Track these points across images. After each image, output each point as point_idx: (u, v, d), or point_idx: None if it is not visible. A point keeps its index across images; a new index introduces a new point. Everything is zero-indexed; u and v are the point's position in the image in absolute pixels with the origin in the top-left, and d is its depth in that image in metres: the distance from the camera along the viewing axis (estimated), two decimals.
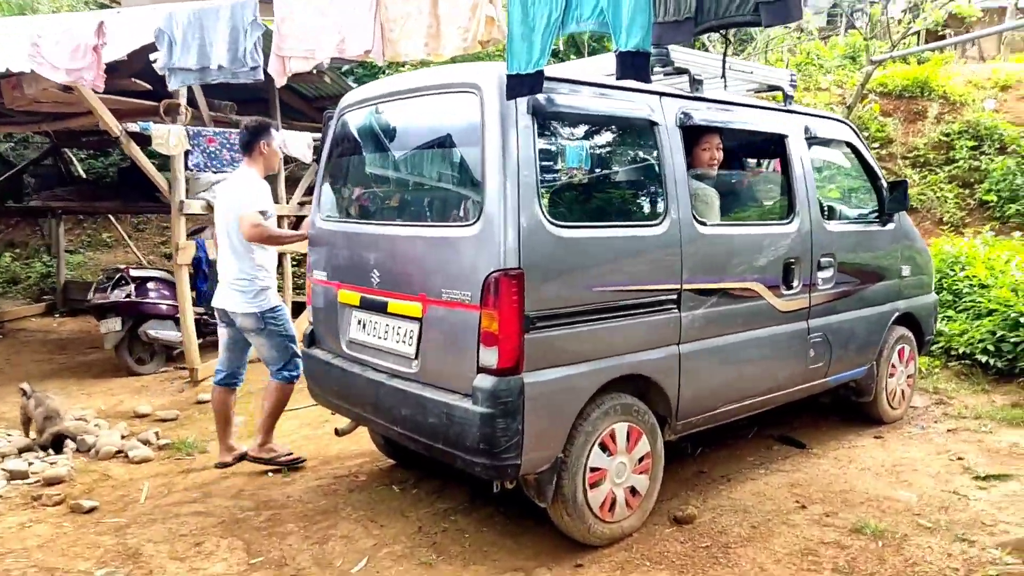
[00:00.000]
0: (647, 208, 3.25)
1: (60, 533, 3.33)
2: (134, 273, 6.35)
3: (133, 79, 5.63)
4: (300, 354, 3.92)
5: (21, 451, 4.30)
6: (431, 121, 3.30)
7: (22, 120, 6.77)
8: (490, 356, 2.68)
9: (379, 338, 3.20)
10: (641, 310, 3.04)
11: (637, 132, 3.23)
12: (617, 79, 2.67)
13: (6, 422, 4.98)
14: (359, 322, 3.35)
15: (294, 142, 6.32)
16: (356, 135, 3.67)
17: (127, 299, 6.13)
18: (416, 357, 2.99)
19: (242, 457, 4.11)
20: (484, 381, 2.68)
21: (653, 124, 3.15)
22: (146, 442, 4.48)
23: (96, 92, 4.84)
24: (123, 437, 4.58)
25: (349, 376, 3.32)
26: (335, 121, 3.66)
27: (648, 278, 3.07)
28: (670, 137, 3.19)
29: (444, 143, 3.25)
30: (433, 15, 3.30)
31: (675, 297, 3.16)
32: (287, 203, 6.92)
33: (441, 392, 2.86)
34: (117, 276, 6.33)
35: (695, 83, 3.43)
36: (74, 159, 10.29)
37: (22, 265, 10.95)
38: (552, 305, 2.77)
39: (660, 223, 3.11)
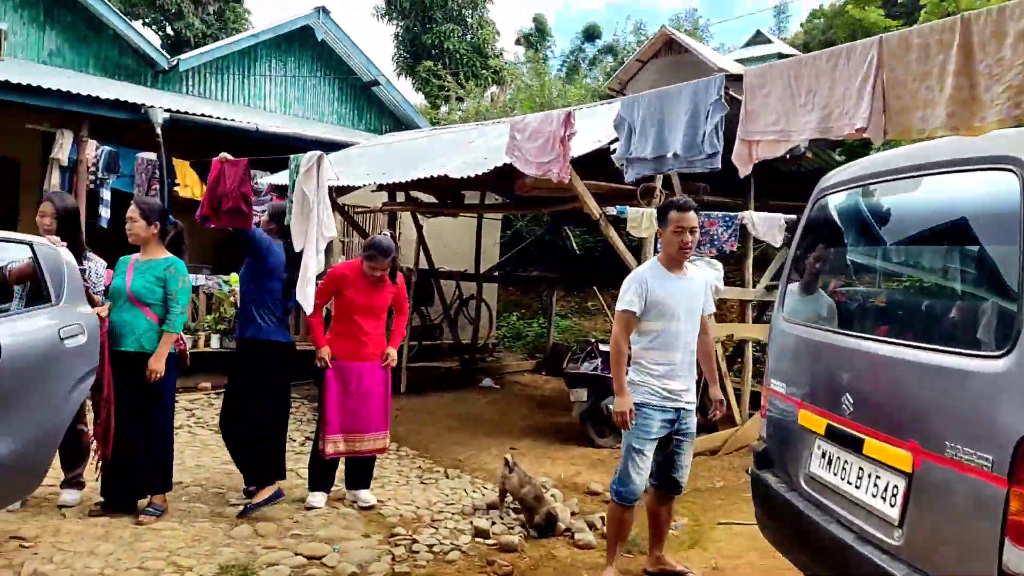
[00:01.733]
0: None
1: None
2: (603, 348, 6.66)
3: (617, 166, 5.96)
4: (631, 474, 3.48)
5: (489, 507, 4.72)
6: (940, 207, 2.54)
7: (527, 204, 7.82)
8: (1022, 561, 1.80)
9: (849, 483, 2.51)
10: None
11: None
12: None
13: (484, 473, 5.59)
14: (823, 455, 2.71)
15: (762, 223, 5.91)
16: (837, 222, 3.08)
17: (594, 372, 6.43)
18: (901, 525, 2.22)
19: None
20: None
21: None
22: (591, 526, 4.48)
23: (579, 179, 5.20)
24: (573, 514, 4.67)
25: (804, 521, 2.69)
26: (811, 205, 3.13)
27: None
28: None
29: (959, 236, 2.45)
30: (964, 73, 2.47)
31: None
32: (752, 287, 6.50)
33: None
34: (588, 348, 6.73)
35: None
36: (570, 235, 11.60)
37: (524, 324, 12.75)
38: None
39: None
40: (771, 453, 3.14)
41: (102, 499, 4.13)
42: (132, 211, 4.15)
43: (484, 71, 21.90)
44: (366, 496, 4.62)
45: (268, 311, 4.47)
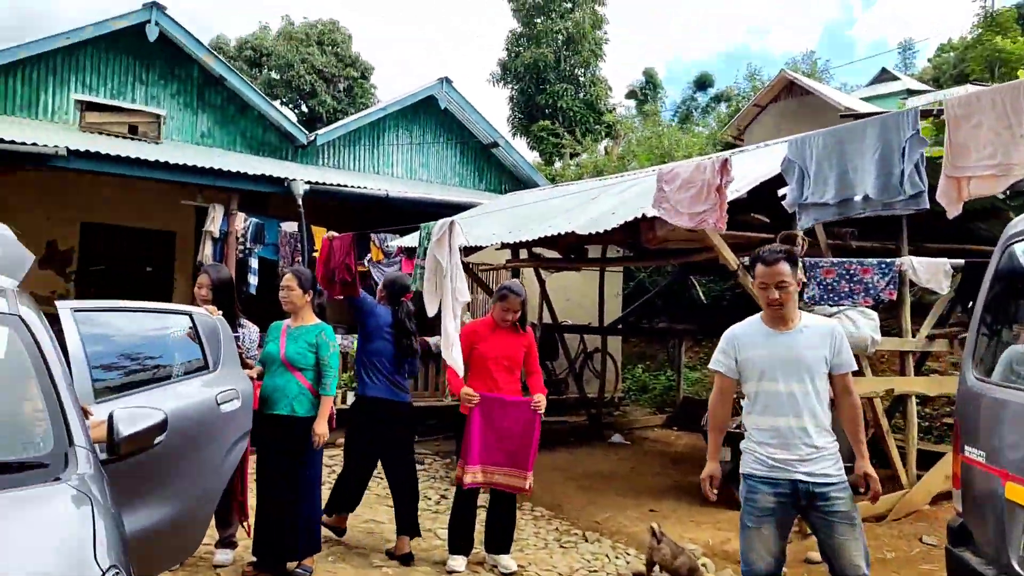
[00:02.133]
0: None
1: None
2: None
3: (753, 214, 5.70)
4: (747, 555, 3.03)
5: None
6: None
7: (655, 256, 7.63)
8: None
9: None
10: None
11: None
12: None
13: (625, 537, 5.32)
14: None
15: (924, 269, 5.43)
16: None
17: (736, 429, 6.06)
18: None
19: None
20: None
21: None
22: None
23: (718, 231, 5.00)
24: None
25: None
26: (999, 252, 2.81)
27: None
28: None
29: None
30: None
31: None
32: (912, 335, 5.96)
33: None
34: None
35: None
36: (696, 284, 11.25)
37: (650, 376, 12.38)
38: None
39: None
40: (970, 529, 2.76)
41: (254, 559, 4.22)
42: (290, 280, 4.32)
43: (597, 126, 22.10)
44: (507, 562, 4.49)
45: (375, 370, 4.65)
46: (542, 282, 9.24)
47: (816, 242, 5.93)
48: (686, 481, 7.04)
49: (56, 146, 7.21)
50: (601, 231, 5.53)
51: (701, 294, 11.44)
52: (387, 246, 9.16)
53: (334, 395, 4.24)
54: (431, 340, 7.59)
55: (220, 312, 4.16)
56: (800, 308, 5.73)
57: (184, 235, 9.86)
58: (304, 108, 24.39)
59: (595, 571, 4.62)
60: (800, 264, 5.34)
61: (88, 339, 3.38)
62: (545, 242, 6.88)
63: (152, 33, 10.15)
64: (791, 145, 3.88)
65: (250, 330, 4.49)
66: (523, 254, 8.63)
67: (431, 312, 4.61)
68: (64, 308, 3.35)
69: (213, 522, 4.23)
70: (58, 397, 2.29)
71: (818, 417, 3.01)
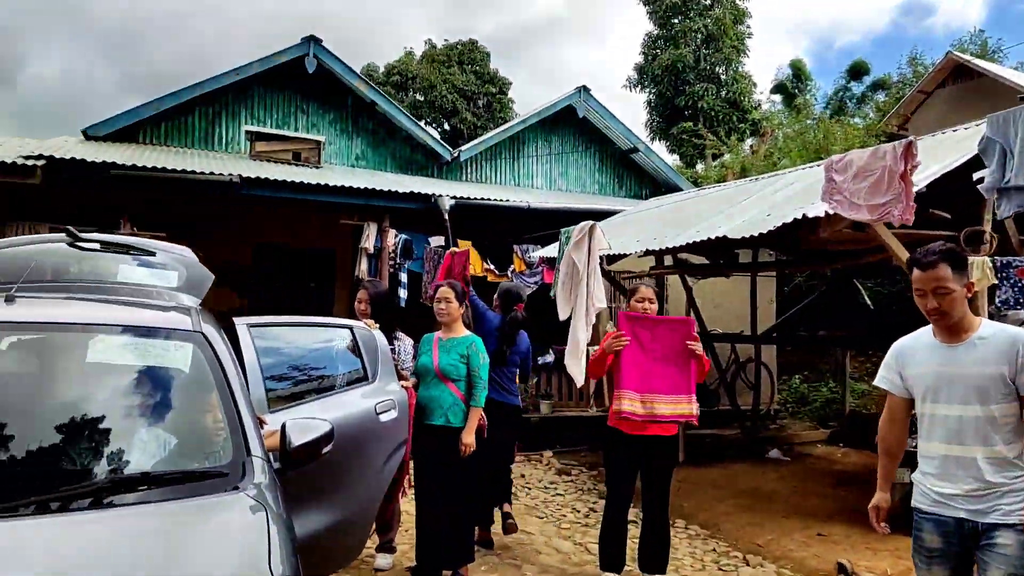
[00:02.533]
0: None
1: None
2: None
3: (932, 210, 5.17)
4: None
5: None
6: None
7: (814, 259, 7.13)
8: None
9: None
10: None
11: None
12: None
13: (792, 563, 4.97)
14: None
15: None
16: None
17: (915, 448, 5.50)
18: None
19: None
20: None
21: None
22: None
23: (890, 227, 4.57)
24: None
25: None
26: None
27: None
28: None
29: None
30: None
31: None
32: None
33: None
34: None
35: None
36: (861, 288, 10.44)
37: (809, 388, 11.60)
38: None
39: None
40: None
41: (414, 564, 4.33)
42: (447, 292, 4.41)
43: (742, 124, 21.19)
44: None
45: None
46: (688, 289, 8.93)
47: (1011, 240, 5.29)
48: (856, 503, 6.50)
49: (231, 175, 7.88)
50: (756, 235, 5.23)
51: (867, 298, 10.59)
52: (529, 257, 9.23)
53: (482, 406, 4.27)
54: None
55: (377, 325, 4.32)
56: (989, 311, 5.15)
57: (343, 253, 10.44)
58: (446, 126, 25.28)
59: None
60: (984, 265, 4.79)
61: (262, 352, 3.61)
62: (691, 247, 6.63)
63: (311, 65, 10.87)
64: (991, 122, 3.42)
65: (404, 342, 4.64)
66: (668, 260, 8.38)
67: (562, 316, 4.53)
68: (241, 324, 3.59)
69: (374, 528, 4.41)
70: (237, 409, 2.43)
71: (994, 447, 2.49)
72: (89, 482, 2.05)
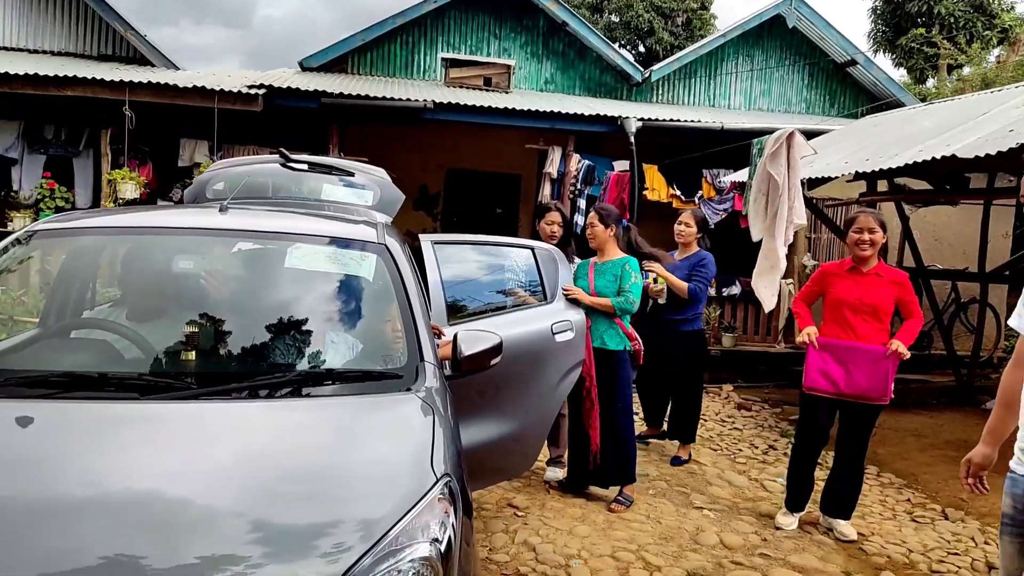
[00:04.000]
0: None
1: None
2: None
3: None
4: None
5: None
6: None
7: None
8: None
9: None
10: None
11: None
12: None
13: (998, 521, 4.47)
14: None
15: None
16: None
17: None
18: None
19: None
20: None
21: None
22: None
23: None
24: None
25: None
26: None
27: None
28: None
29: None
30: None
31: None
32: None
33: None
34: None
35: None
36: None
37: None
38: None
39: None
40: None
41: (562, 478, 4.49)
42: (592, 217, 4.45)
43: (987, 31, 18.18)
44: (845, 528, 4.07)
45: None
46: (905, 219, 8.01)
47: None
48: None
49: (424, 100, 8.19)
50: (994, 153, 4.50)
51: None
52: (720, 182, 8.76)
53: (618, 309, 4.22)
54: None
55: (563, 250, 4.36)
56: None
57: (528, 177, 10.59)
58: (641, 48, 24.27)
59: (956, 554, 3.96)
60: None
61: (445, 268, 3.79)
62: (911, 171, 5.88)
63: None
64: None
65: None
66: (882, 186, 7.54)
67: (755, 237, 4.22)
68: (426, 240, 3.78)
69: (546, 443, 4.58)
70: (413, 318, 2.59)
71: None
72: (282, 375, 2.30)
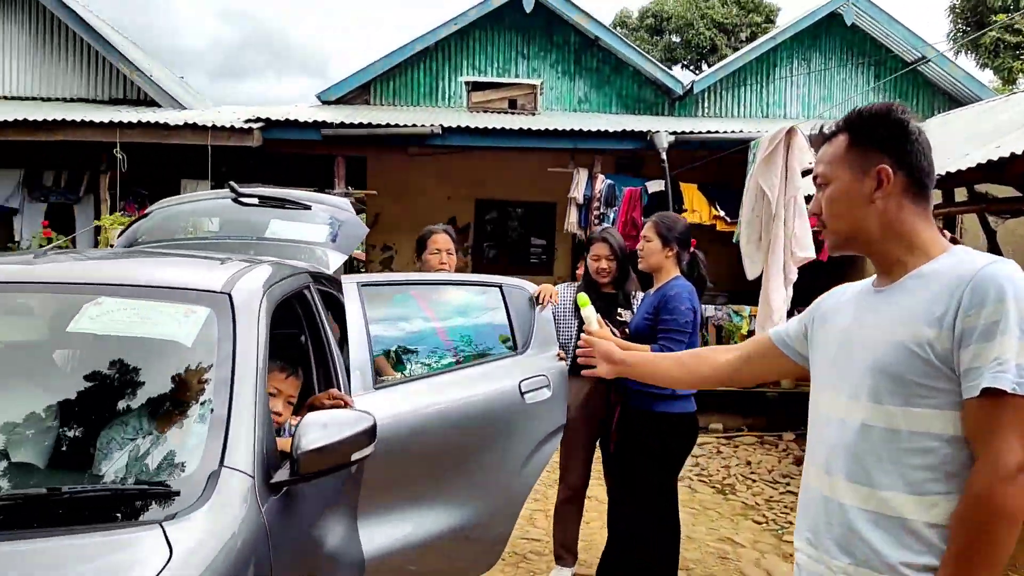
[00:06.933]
0: None
1: None
2: None
3: None
4: None
5: None
6: None
7: None
8: None
9: None
10: None
11: None
12: None
13: None
14: None
15: None
16: None
17: None
18: None
19: None
20: None
21: None
22: None
23: None
24: None
25: None
26: None
27: None
28: None
29: None
30: None
31: None
32: None
33: None
34: None
35: None
36: None
37: None
38: None
39: None
40: None
41: None
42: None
43: None
44: None
45: None
46: (991, 233, 6.77)
47: None
48: None
49: (432, 125, 7.55)
50: None
51: None
52: None
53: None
54: None
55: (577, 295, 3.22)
56: None
57: (563, 205, 9.78)
58: (704, 66, 23.35)
59: None
60: None
61: (376, 317, 3.06)
62: (990, 174, 4.77)
63: (528, 4, 10.21)
64: None
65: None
66: (960, 195, 6.36)
67: (750, 275, 3.23)
68: (350, 283, 3.06)
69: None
70: (230, 401, 1.81)
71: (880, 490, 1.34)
72: None
